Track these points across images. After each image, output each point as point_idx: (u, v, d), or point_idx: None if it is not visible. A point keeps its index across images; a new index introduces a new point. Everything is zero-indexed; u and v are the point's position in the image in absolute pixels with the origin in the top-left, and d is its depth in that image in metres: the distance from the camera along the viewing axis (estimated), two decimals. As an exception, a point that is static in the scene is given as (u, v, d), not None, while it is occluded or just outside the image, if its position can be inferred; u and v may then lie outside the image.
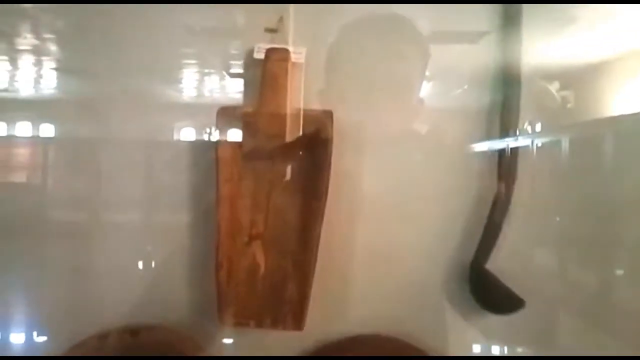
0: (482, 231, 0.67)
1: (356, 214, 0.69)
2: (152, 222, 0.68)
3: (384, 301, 0.68)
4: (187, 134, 0.68)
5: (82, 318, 0.64)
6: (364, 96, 0.69)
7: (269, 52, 0.62)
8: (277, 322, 0.63)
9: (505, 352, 0.71)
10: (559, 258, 0.70)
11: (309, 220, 0.63)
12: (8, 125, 0.64)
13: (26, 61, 0.62)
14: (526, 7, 0.67)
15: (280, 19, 0.66)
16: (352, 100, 0.68)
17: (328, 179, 0.62)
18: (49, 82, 0.64)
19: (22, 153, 0.65)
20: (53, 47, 0.62)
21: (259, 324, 0.63)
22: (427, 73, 0.69)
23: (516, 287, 0.65)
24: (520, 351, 0.70)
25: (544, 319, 0.68)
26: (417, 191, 0.70)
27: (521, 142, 0.67)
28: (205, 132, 0.66)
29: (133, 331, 0.64)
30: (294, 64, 0.63)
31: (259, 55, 0.64)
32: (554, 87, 0.68)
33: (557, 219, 0.70)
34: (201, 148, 0.67)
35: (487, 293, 0.68)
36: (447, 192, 0.69)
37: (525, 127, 0.68)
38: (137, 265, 0.67)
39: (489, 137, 0.69)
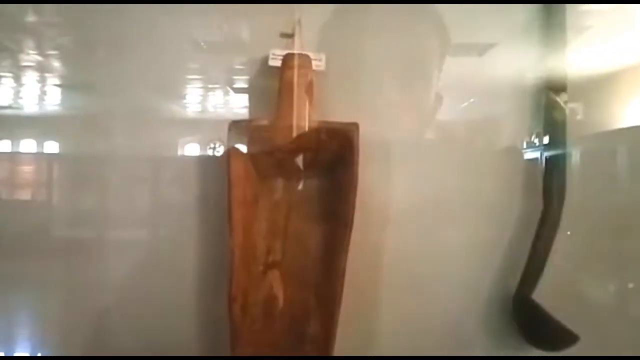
0: (527, 256, 0.60)
1: (383, 238, 0.62)
2: (158, 245, 0.63)
3: (415, 337, 0.62)
4: (195, 150, 0.63)
5: (84, 340, 0.61)
6: (388, 105, 0.63)
7: (287, 58, 0.56)
8: (298, 363, 0.55)
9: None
10: (617, 287, 0.63)
11: (334, 248, 0.56)
12: (12, 141, 0.63)
13: (30, 77, 0.61)
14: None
15: (298, 22, 0.59)
16: (375, 110, 0.62)
17: (354, 201, 0.54)
18: (53, 99, 0.63)
19: (26, 170, 0.64)
20: (57, 63, 0.61)
21: (278, 365, 0.56)
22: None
23: (567, 319, 0.57)
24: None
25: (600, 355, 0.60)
26: (451, 212, 0.63)
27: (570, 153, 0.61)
28: (215, 149, 0.61)
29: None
30: (313, 71, 0.56)
31: (275, 62, 0.58)
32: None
33: (614, 241, 0.62)
34: (211, 166, 0.61)
35: (534, 327, 0.60)
36: (486, 212, 0.63)
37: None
38: (142, 292, 0.62)
39: (532, 148, 0.63)
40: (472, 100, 0.64)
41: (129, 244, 0.62)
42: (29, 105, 0.63)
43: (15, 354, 0.63)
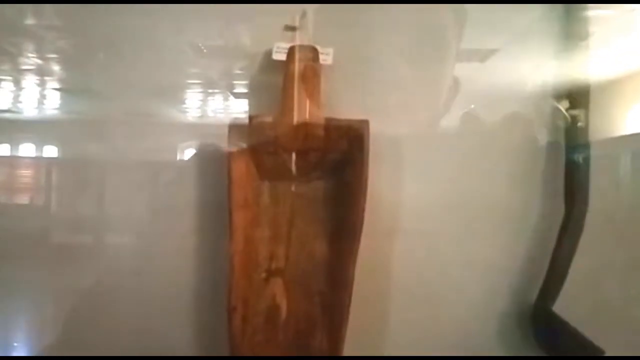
0: (547, 265, 0.56)
1: (393, 244, 0.59)
2: (156, 251, 0.59)
3: (427, 351, 0.57)
4: (194, 154, 0.60)
5: (82, 345, 0.59)
6: (399, 100, 0.59)
7: (292, 51, 0.52)
8: (303, 379, 0.52)
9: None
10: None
11: (341, 255, 0.52)
12: (11, 145, 0.62)
13: (30, 81, 0.61)
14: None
15: (303, 15, 0.56)
16: (386, 106, 0.58)
17: (364, 204, 0.51)
18: (53, 103, 0.62)
19: (26, 174, 0.63)
20: (57, 67, 0.60)
21: (281, 381, 0.52)
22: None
23: (590, 332, 0.54)
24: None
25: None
26: (466, 217, 0.59)
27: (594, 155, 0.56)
28: (215, 152, 0.57)
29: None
30: (321, 65, 0.53)
31: (279, 56, 0.54)
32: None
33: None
34: (211, 169, 0.58)
35: (556, 340, 0.56)
36: (503, 217, 0.59)
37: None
38: (138, 300, 0.59)
39: (554, 150, 0.59)
40: (488, 100, 0.61)
41: (126, 250, 0.60)
42: (29, 109, 0.63)
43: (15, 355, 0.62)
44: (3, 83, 0.61)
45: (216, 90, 0.61)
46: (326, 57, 0.54)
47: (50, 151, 0.62)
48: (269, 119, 0.52)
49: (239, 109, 0.61)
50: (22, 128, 0.63)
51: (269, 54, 0.56)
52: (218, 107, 0.62)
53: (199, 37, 0.59)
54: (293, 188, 0.56)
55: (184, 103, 0.61)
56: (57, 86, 0.61)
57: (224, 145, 0.53)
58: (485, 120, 0.60)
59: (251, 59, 0.58)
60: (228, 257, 0.52)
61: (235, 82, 0.61)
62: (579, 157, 0.57)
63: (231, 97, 0.61)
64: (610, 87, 0.60)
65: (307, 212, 0.55)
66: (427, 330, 0.59)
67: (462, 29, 0.58)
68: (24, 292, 0.60)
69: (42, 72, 0.60)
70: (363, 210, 0.51)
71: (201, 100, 0.62)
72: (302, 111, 0.52)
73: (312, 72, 0.51)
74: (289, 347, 0.54)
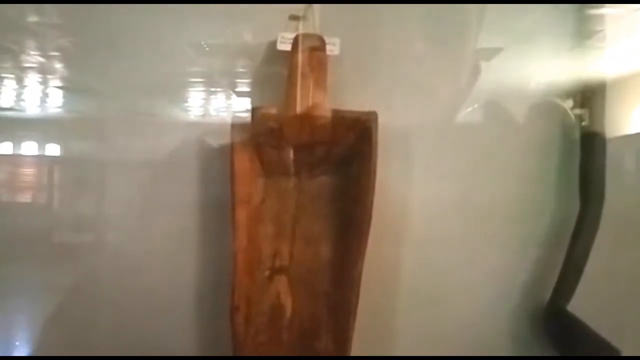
0: (562, 263, 0.54)
1: (401, 241, 0.57)
2: (157, 249, 0.58)
3: (436, 352, 0.56)
4: (196, 152, 0.58)
5: (84, 343, 0.58)
6: (409, 93, 0.57)
7: (299, 40, 0.50)
8: (308, 381, 0.50)
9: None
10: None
11: (348, 253, 0.50)
12: (14, 144, 0.62)
13: (32, 79, 0.60)
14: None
15: (309, 5, 0.54)
16: (396, 97, 0.57)
17: (372, 200, 0.49)
18: (55, 101, 0.61)
19: (28, 172, 0.63)
20: (58, 65, 0.59)
21: (285, 382, 0.51)
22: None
23: (606, 332, 0.52)
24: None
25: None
26: (478, 214, 0.58)
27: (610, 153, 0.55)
28: (217, 149, 0.56)
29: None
30: (327, 55, 0.51)
31: (284, 46, 0.52)
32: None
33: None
34: (213, 166, 0.56)
35: (570, 341, 0.54)
36: (516, 214, 0.57)
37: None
38: (139, 299, 0.58)
39: (568, 148, 0.57)
40: (500, 98, 0.59)
41: (128, 248, 0.58)
42: (30, 108, 0.62)
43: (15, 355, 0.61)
44: (5, 81, 0.60)
45: (218, 89, 0.60)
46: (333, 48, 0.52)
47: (52, 149, 0.62)
48: (273, 110, 0.50)
49: (241, 105, 0.59)
50: (23, 126, 0.62)
51: (272, 46, 0.54)
52: (221, 104, 0.60)
53: (201, 35, 0.58)
54: (298, 184, 0.54)
55: (186, 101, 0.60)
56: (59, 84, 0.60)
57: (226, 143, 0.52)
58: (503, 114, 0.58)
59: (254, 52, 0.57)
60: (231, 254, 0.50)
61: (237, 77, 0.59)
62: (594, 155, 0.55)
63: (233, 94, 0.60)
64: (624, 84, 0.58)
65: (312, 209, 0.54)
66: (437, 331, 0.57)
67: (483, 11, 0.56)
68: (24, 291, 0.59)
69: (44, 70, 0.59)
70: (371, 206, 0.49)
71: (203, 99, 0.60)
72: (308, 103, 0.50)
73: (318, 62, 0.49)
74: (294, 348, 0.52)
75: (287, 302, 0.53)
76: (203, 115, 0.60)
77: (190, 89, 0.59)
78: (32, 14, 0.57)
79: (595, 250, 0.54)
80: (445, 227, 0.57)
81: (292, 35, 0.52)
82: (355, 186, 0.51)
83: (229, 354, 0.51)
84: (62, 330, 0.58)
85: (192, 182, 0.57)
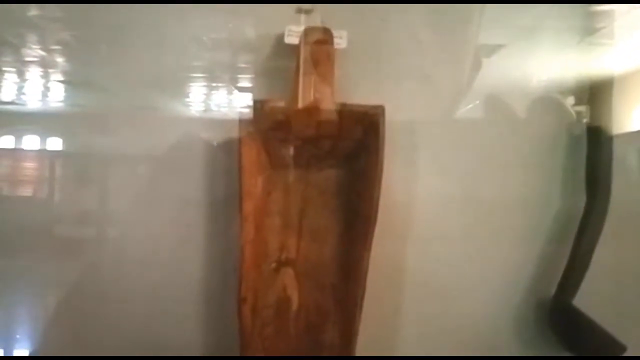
0: (567, 257, 0.54)
1: (407, 235, 0.57)
2: (163, 242, 0.58)
3: (441, 346, 0.56)
4: (202, 145, 0.58)
5: (86, 341, 0.57)
6: (416, 86, 0.57)
7: (307, 32, 0.50)
8: (314, 372, 0.51)
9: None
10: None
11: (354, 246, 0.50)
12: (15, 138, 0.61)
13: (33, 73, 0.59)
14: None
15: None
16: (402, 91, 0.56)
17: (378, 194, 0.49)
18: (57, 95, 0.61)
19: (29, 166, 0.63)
20: (60, 59, 0.59)
21: (291, 374, 0.51)
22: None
23: (611, 327, 0.52)
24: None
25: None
26: (483, 207, 0.57)
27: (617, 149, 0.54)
28: (223, 142, 0.56)
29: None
30: (334, 49, 0.51)
31: (291, 39, 0.52)
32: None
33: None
34: (217, 159, 0.56)
35: (575, 336, 0.55)
36: (522, 208, 0.57)
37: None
38: (145, 291, 0.57)
39: (575, 143, 0.57)
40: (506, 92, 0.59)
41: (132, 242, 0.58)
42: (32, 101, 0.62)
43: (15, 352, 0.61)
44: (6, 74, 0.60)
45: (223, 83, 0.59)
46: (340, 41, 0.52)
47: (55, 143, 0.61)
48: (280, 104, 0.50)
49: (247, 99, 0.58)
50: (25, 120, 0.62)
51: (278, 39, 0.54)
52: (225, 98, 0.60)
53: (204, 29, 0.57)
54: (305, 177, 0.54)
55: (191, 96, 0.59)
56: (61, 78, 0.60)
57: (231, 137, 0.52)
58: (509, 110, 0.58)
59: (260, 45, 0.56)
60: (239, 247, 0.50)
61: (242, 71, 0.59)
62: (601, 150, 0.55)
63: (239, 88, 0.59)
64: (630, 80, 0.58)
65: (318, 202, 0.54)
66: (442, 325, 0.57)
67: (490, 6, 0.56)
68: (27, 285, 0.59)
69: (45, 64, 0.59)
70: (377, 200, 0.49)
71: (208, 93, 0.60)
72: (315, 96, 0.49)
73: (326, 55, 0.49)
74: (300, 341, 0.52)
75: (294, 295, 0.53)
76: (207, 110, 0.60)
77: (194, 83, 0.59)
78: (33, 8, 0.56)
79: (601, 245, 0.54)
80: (451, 221, 0.57)
81: (299, 28, 0.52)
82: (361, 180, 0.51)
83: (235, 347, 0.50)
84: (65, 324, 0.58)
85: (195, 176, 0.57)
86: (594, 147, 0.55)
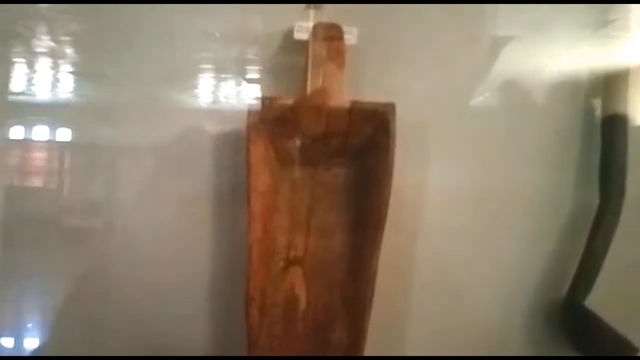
0: (579, 258, 0.54)
1: (417, 235, 0.56)
2: (170, 239, 0.57)
3: (451, 347, 0.56)
4: (210, 139, 0.57)
5: (93, 332, 0.58)
6: (427, 84, 0.56)
7: (317, 29, 0.49)
8: (322, 372, 0.50)
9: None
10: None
11: (363, 245, 0.50)
12: (25, 128, 0.60)
13: (43, 64, 0.59)
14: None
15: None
16: (412, 88, 0.55)
17: (388, 192, 0.48)
18: (66, 86, 0.60)
19: (39, 157, 0.62)
20: (70, 50, 0.58)
21: (299, 374, 0.50)
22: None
23: (624, 329, 0.51)
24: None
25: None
26: (495, 207, 0.57)
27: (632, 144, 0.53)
28: (232, 137, 0.56)
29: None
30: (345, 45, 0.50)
31: (301, 35, 0.51)
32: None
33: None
34: (226, 154, 0.56)
35: (587, 337, 0.54)
36: (534, 206, 0.57)
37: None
38: (151, 289, 0.57)
39: (589, 135, 0.56)
40: (519, 86, 0.58)
41: (140, 237, 0.58)
42: (42, 92, 0.61)
43: (24, 343, 0.60)
44: (16, 65, 0.59)
45: (232, 77, 0.58)
46: (350, 37, 0.51)
47: (64, 134, 0.61)
48: (289, 100, 0.49)
49: (256, 94, 0.58)
50: (35, 111, 0.61)
51: (287, 34, 0.53)
52: (234, 93, 0.59)
53: (213, 22, 0.57)
54: (314, 174, 0.53)
55: (200, 88, 0.59)
56: (71, 70, 0.59)
57: (240, 131, 0.51)
58: (522, 104, 0.57)
59: (269, 40, 0.56)
60: (246, 245, 0.49)
61: (252, 66, 0.58)
62: (616, 146, 0.54)
63: (248, 83, 0.58)
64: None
65: (327, 200, 0.53)
66: (452, 323, 0.56)
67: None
68: (35, 276, 0.59)
69: (55, 55, 0.58)
70: (388, 198, 0.48)
71: (217, 86, 0.59)
72: (325, 93, 0.49)
73: (336, 52, 0.48)
74: (308, 340, 0.52)
75: (302, 293, 0.52)
76: (216, 103, 0.59)
77: (204, 76, 0.58)
78: (42, -1, 0.56)
79: (614, 244, 0.53)
80: (461, 219, 0.56)
81: (308, 24, 0.51)
82: (371, 178, 0.50)
83: (243, 346, 0.50)
84: (72, 315, 0.58)
85: (204, 170, 0.56)
86: (609, 139, 0.54)
